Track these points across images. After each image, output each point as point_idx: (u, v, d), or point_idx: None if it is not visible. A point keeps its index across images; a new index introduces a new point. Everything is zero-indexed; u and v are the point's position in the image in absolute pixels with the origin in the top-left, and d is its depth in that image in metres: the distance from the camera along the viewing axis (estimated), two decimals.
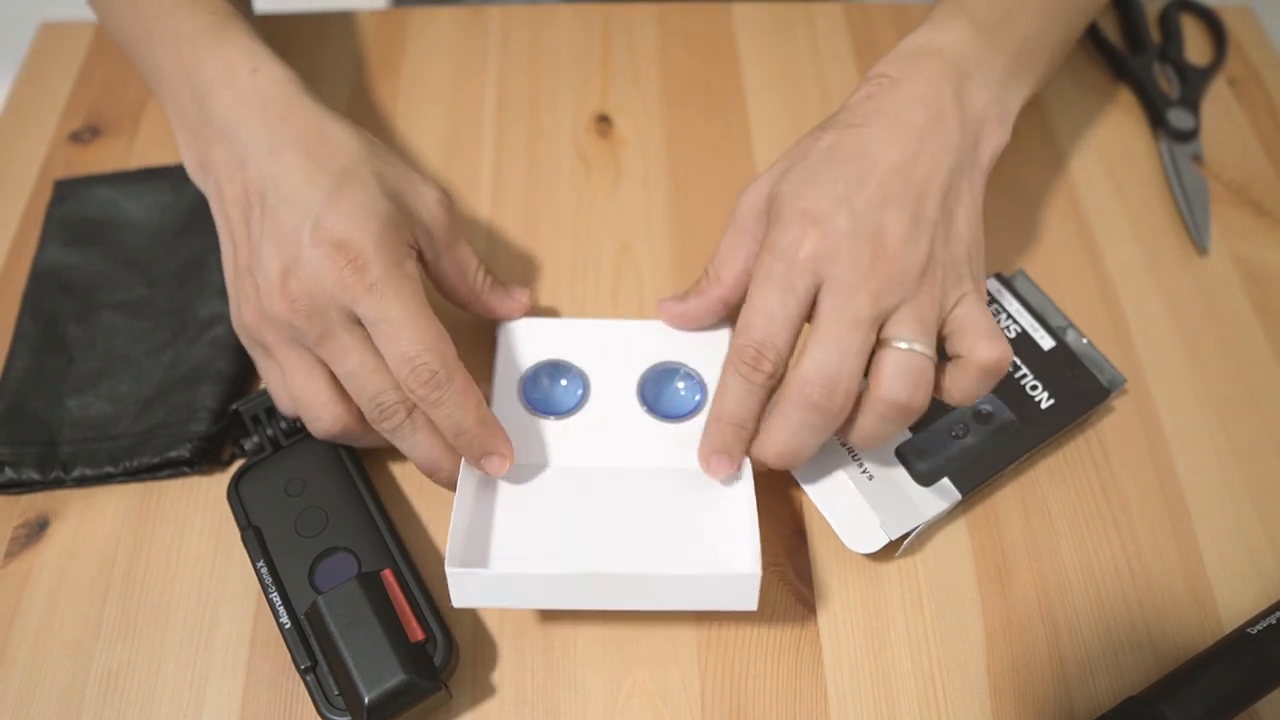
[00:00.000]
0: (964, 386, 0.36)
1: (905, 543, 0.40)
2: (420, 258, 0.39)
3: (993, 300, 0.45)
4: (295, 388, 0.38)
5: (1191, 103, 0.54)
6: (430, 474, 0.39)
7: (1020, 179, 0.52)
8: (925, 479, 0.40)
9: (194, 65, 0.40)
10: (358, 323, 0.36)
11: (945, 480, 0.40)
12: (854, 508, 0.39)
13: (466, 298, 0.42)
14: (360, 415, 0.39)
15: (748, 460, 0.38)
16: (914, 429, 0.41)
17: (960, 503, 0.40)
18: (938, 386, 0.37)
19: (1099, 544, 0.41)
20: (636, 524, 0.38)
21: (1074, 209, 0.51)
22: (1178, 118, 0.53)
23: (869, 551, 0.39)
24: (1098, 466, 0.43)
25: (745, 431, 0.38)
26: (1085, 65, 0.57)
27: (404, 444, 0.38)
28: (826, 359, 0.35)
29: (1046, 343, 0.43)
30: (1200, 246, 0.49)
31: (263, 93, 0.39)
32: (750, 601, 0.35)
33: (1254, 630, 0.37)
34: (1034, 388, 0.42)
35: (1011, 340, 0.43)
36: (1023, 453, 0.41)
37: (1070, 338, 0.44)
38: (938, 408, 0.41)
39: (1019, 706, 0.37)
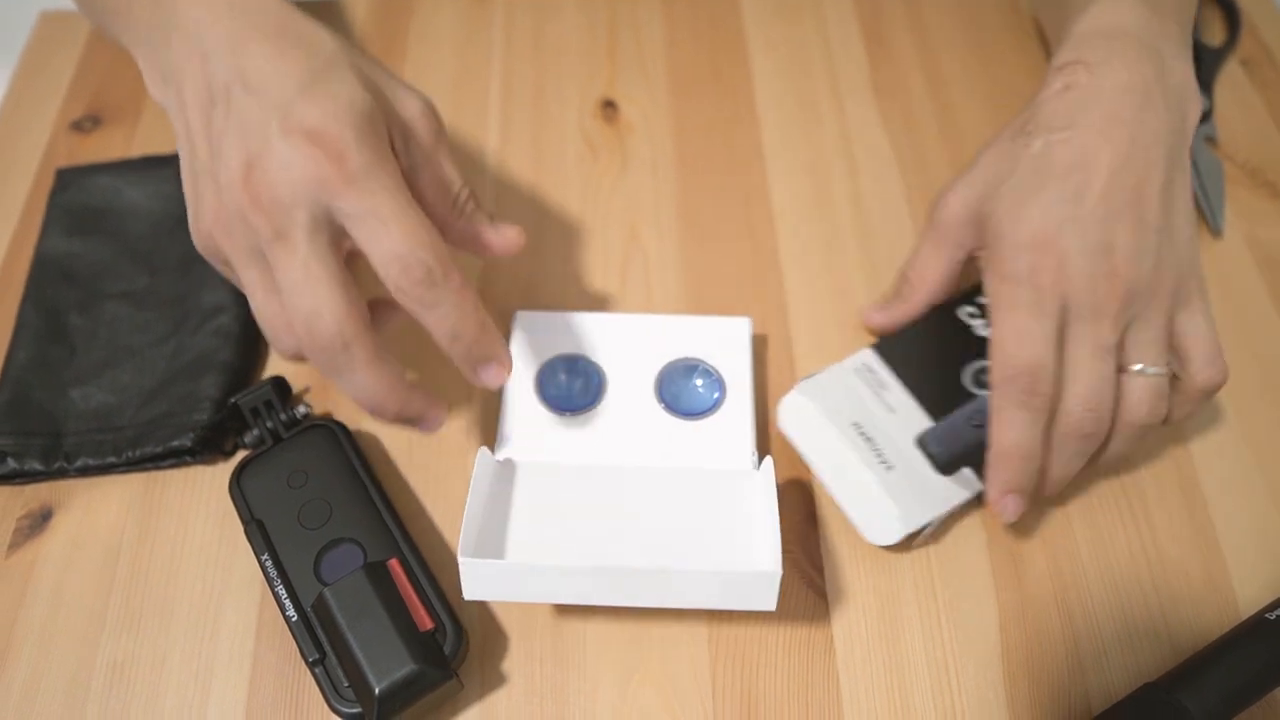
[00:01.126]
0: (1180, 406, 0.37)
1: (923, 533, 0.39)
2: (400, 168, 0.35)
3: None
4: (255, 303, 0.34)
5: (1205, 84, 0.53)
6: (376, 414, 0.35)
7: None
8: (946, 468, 0.39)
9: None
10: (322, 230, 0.32)
11: (967, 470, 0.39)
12: (872, 498, 0.38)
13: (445, 218, 0.37)
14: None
15: (769, 459, 0.37)
16: (934, 417, 0.40)
17: (981, 492, 0.39)
18: None
19: (1113, 530, 0.40)
20: (653, 522, 0.37)
21: None
22: None
23: (887, 544, 0.38)
24: None
25: (1035, 463, 0.36)
26: None
27: (341, 380, 0.34)
28: (1089, 389, 0.35)
29: None
30: (1215, 229, 0.49)
31: None
32: (769, 601, 0.33)
33: (1272, 616, 0.36)
34: None
35: None
36: None
37: None
38: (961, 397, 0.40)
39: (1034, 694, 0.37)
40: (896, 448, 0.39)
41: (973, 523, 0.41)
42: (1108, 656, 0.38)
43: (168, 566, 0.40)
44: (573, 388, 0.41)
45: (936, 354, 0.42)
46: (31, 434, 0.42)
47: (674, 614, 0.38)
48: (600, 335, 0.43)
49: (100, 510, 0.41)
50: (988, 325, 0.38)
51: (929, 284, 0.41)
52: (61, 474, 0.41)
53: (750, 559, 0.36)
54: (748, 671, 0.37)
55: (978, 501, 0.41)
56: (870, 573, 0.39)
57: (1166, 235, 0.36)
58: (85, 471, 0.41)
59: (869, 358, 0.42)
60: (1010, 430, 0.36)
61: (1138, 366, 0.36)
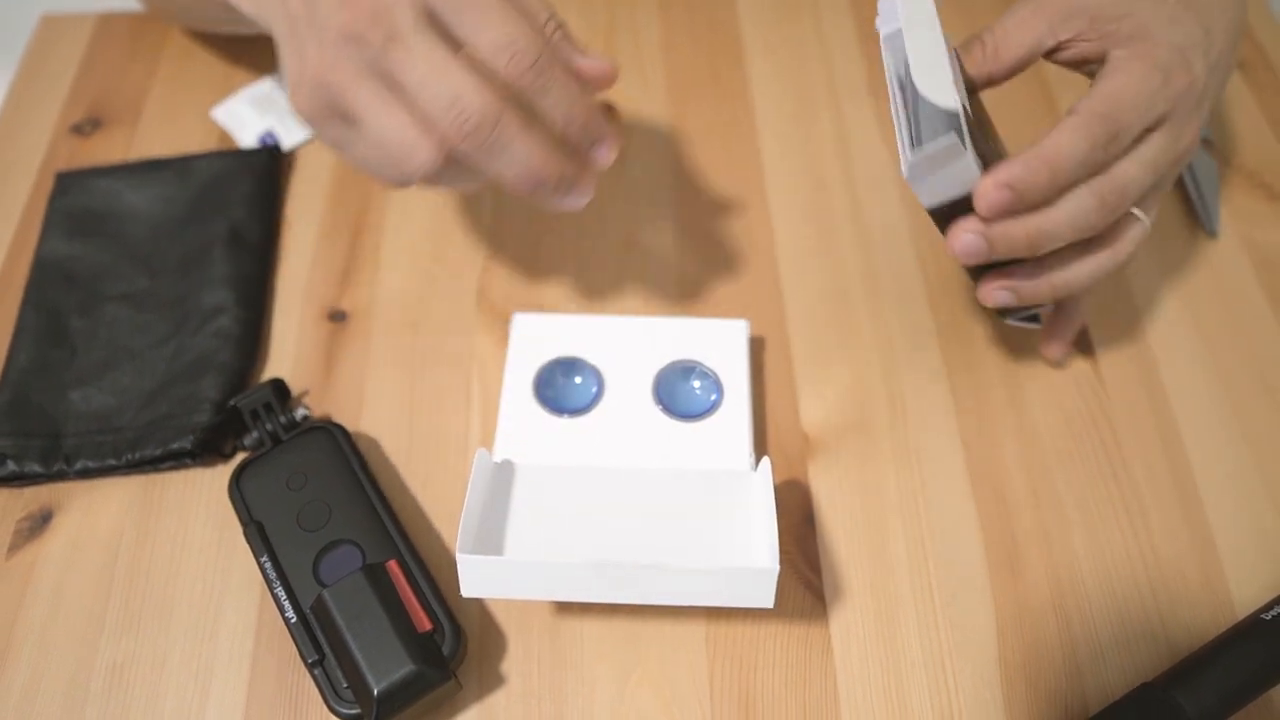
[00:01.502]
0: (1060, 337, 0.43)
1: (923, 159, 0.34)
2: None
3: None
4: (377, 129, 0.33)
5: None
6: (538, 186, 0.34)
7: None
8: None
9: None
10: (431, 24, 0.32)
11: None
12: (938, 67, 0.34)
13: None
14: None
15: (766, 459, 0.37)
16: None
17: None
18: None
19: (1110, 531, 0.41)
20: (651, 522, 0.37)
21: None
22: None
23: (933, 98, 0.33)
24: (1108, 453, 0.42)
25: (1051, 187, 0.34)
26: None
27: (498, 158, 0.33)
28: (1132, 183, 0.35)
29: None
30: (1210, 231, 0.49)
31: None
32: (767, 598, 0.34)
33: (1268, 616, 0.36)
34: None
35: None
36: None
37: None
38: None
39: (1030, 694, 0.37)
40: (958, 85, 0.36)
41: (969, 524, 0.41)
42: (1104, 656, 0.38)
43: (167, 568, 0.40)
44: (571, 390, 0.42)
45: (974, 113, 0.38)
46: (31, 436, 0.42)
47: (672, 614, 0.39)
48: (598, 337, 0.43)
49: (100, 512, 0.41)
50: (1087, 95, 0.35)
51: (1006, 58, 0.38)
52: (61, 476, 0.41)
53: (748, 557, 0.36)
54: (745, 672, 0.37)
55: (969, 498, 0.41)
56: (868, 573, 0.39)
57: (1207, 114, 0.38)
58: (85, 474, 0.41)
59: (951, 49, 0.37)
60: (1065, 142, 0.34)
61: (1139, 213, 0.38)
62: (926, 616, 0.38)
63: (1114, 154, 0.35)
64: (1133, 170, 0.36)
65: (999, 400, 0.44)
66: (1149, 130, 0.36)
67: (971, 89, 0.39)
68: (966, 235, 0.35)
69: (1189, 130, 0.37)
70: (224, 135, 0.53)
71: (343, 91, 0.34)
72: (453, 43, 0.33)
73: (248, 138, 0.52)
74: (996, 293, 0.38)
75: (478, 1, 0.32)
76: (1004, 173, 0.34)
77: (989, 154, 0.37)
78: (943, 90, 0.33)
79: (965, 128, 0.34)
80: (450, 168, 0.34)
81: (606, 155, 0.36)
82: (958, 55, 0.38)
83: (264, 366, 0.45)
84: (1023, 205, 0.34)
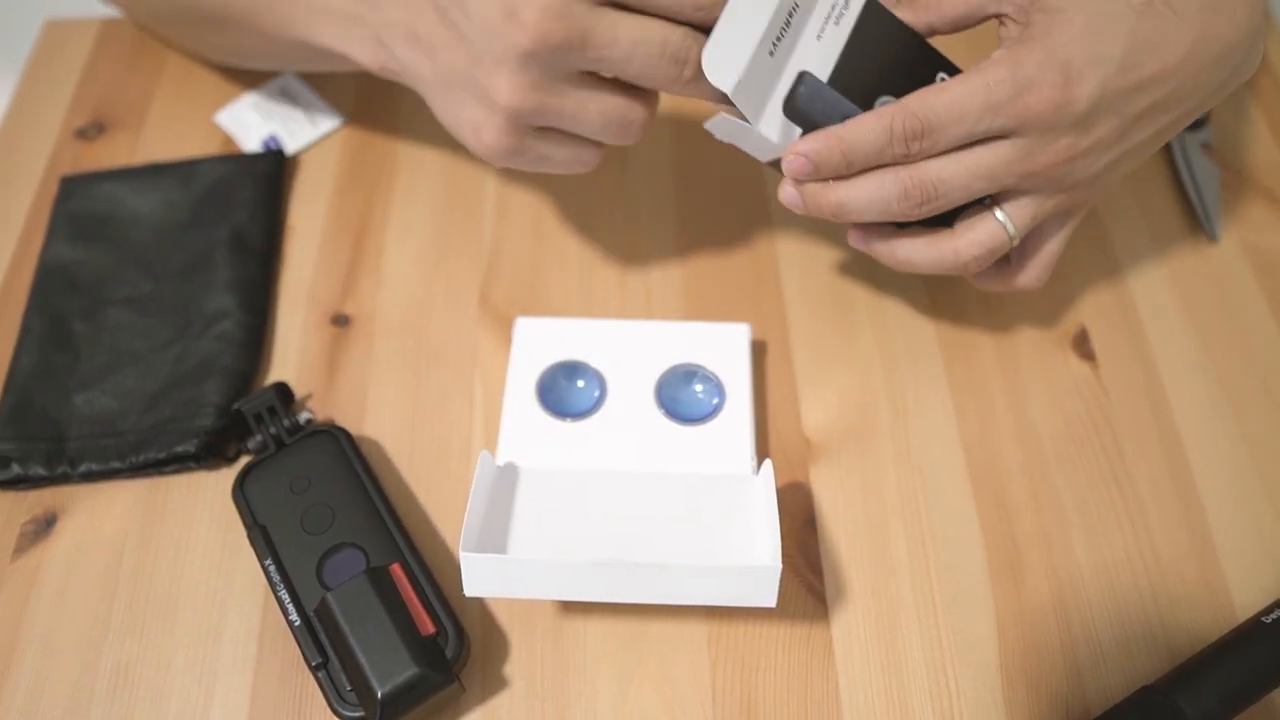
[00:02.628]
0: (986, 277, 0.40)
1: (720, 118, 0.37)
2: None
3: None
4: (595, 118, 0.36)
5: None
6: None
7: None
8: (789, 110, 0.37)
9: None
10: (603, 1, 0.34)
11: (798, 130, 0.37)
12: (741, 47, 0.35)
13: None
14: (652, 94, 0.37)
15: (769, 462, 0.37)
16: (834, 82, 0.37)
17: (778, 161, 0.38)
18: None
19: (1111, 534, 0.41)
20: (653, 525, 0.37)
21: None
22: None
23: (712, 82, 0.35)
24: (1109, 456, 0.43)
25: (846, 167, 0.36)
26: None
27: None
28: (956, 183, 0.35)
29: None
30: (1211, 236, 0.49)
31: None
32: (769, 596, 0.34)
33: (1268, 619, 0.36)
34: None
35: None
36: None
37: None
38: (862, 94, 0.38)
39: (1031, 697, 0.37)
40: (789, 51, 0.37)
41: (970, 527, 0.41)
42: (1105, 660, 0.38)
43: (171, 571, 0.40)
44: (573, 394, 0.42)
45: (886, 63, 0.38)
46: (35, 439, 0.42)
47: (674, 616, 0.39)
48: (600, 341, 0.43)
49: (104, 515, 0.41)
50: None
51: (947, 10, 0.38)
52: (65, 479, 0.42)
53: (750, 558, 0.36)
54: (747, 674, 0.38)
55: (970, 501, 0.41)
56: (868, 577, 0.40)
57: (1132, 157, 0.37)
58: (89, 477, 0.42)
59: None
60: (864, 130, 0.35)
61: (1002, 217, 0.37)
62: (927, 619, 0.39)
63: (922, 152, 0.35)
64: (949, 171, 0.36)
65: (999, 403, 0.44)
66: (994, 138, 0.35)
67: (900, 30, 0.39)
68: (786, 188, 0.38)
69: (1052, 148, 0.35)
70: (227, 140, 0.53)
71: (545, 108, 0.35)
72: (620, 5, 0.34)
73: (251, 142, 0.52)
74: (787, 190, 0.38)
75: (599, 46, 0.33)
76: (804, 143, 0.36)
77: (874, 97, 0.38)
78: (721, 69, 0.35)
79: (753, 103, 0.36)
80: (653, 112, 0.37)
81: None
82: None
83: (267, 370, 0.45)
84: (821, 175, 0.36)
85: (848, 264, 0.48)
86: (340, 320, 0.47)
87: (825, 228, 0.50)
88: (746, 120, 0.36)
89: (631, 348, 0.43)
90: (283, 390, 0.42)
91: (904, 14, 0.39)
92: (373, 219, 0.50)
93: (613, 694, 0.37)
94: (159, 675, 0.38)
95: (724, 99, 0.36)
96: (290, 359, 0.46)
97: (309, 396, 0.44)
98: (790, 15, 0.36)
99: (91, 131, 0.53)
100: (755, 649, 0.38)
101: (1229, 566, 0.40)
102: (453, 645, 0.36)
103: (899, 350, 0.46)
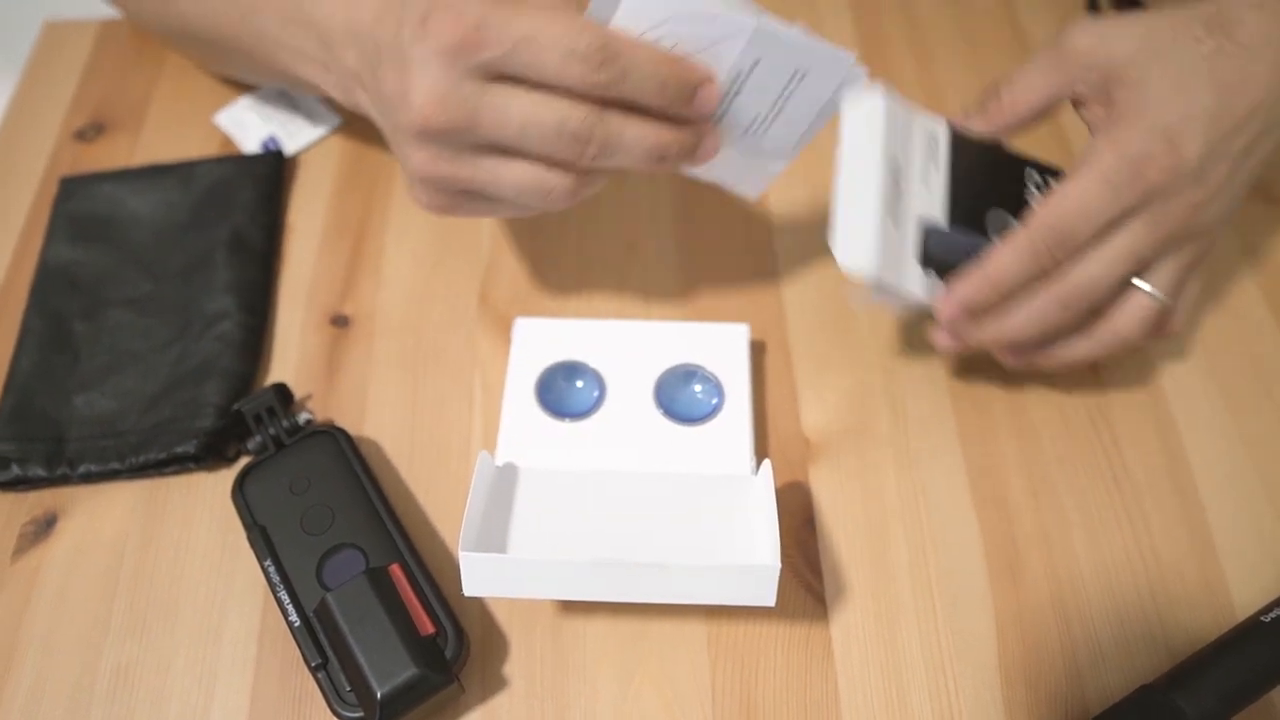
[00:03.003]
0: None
1: (867, 289, 0.38)
2: None
3: None
4: (507, 189, 0.35)
5: None
6: (662, 160, 0.35)
7: None
8: (927, 261, 0.38)
9: (304, 12, 0.39)
10: (494, 78, 0.33)
11: (942, 282, 0.38)
12: (863, 223, 0.37)
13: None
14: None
15: (767, 462, 0.37)
16: (950, 222, 0.38)
17: (930, 312, 0.39)
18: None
19: (1110, 533, 0.41)
20: (653, 525, 0.37)
21: None
22: None
23: (849, 266, 0.36)
24: (1109, 456, 0.43)
25: (1001, 298, 0.36)
26: None
27: (619, 155, 0.34)
28: (1099, 279, 0.36)
29: None
30: None
31: None
32: (768, 596, 0.34)
33: (1267, 618, 0.36)
34: None
35: None
36: None
37: None
38: (974, 219, 0.39)
39: (1031, 697, 0.37)
40: (906, 209, 0.38)
41: (969, 526, 0.41)
42: (1104, 659, 0.38)
43: (171, 572, 0.40)
44: (572, 394, 0.42)
45: (984, 182, 0.40)
46: (35, 440, 0.42)
47: (673, 617, 0.39)
48: (599, 342, 0.43)
49: (104, 516, 0.41)
50: (1041, 200, 0.37)
51: (1021, 108, 0.38)
52: (65, 480, 0.42)
53: (750, 558, 0.36)
54: (747, 674, 0.38)
55: (969, 499, 0.41)
56: (867, 577, 0.40)
57: (1246, 186, 0.37)
58: (88, 478, 0.42)
59: (942, 131, 0.40)
60: (1008, 260, 0.36)
61: (1149, 288, 0.37)
62: (927, 619, 0.39)
63: (1066, 258, 0.36)
64: (1097, 269, 0.36)
65: (999, 403, 0.44)
66: (1122, 219, 0.36)
67: (985, 146, 0.40)
68: (940, 336, 0.39)
69: (1178, 209, 0.36)
70: (226, 141, 0.53)
71: (455, 179, 0.35)
72: (520, 82, 0.33)
73: (250, 143, 0.52)
74: (942, 337, 0.39)
75: (522, 31, 0.32)
76: (957, 292, 0.37)
77: (996, 224, 0.39)
78: (857, 257, 0.36)
79: (880, 280, 0.36)
80: (583, 178, 0.36)
81: (709, 94, 0.35)
82: (951, 129, 0.40)
83: (267, 371, 0.45)
84: (979, 315, 0.37)
85: None
86: (340, 321, 0.47)
87: (825, 228, 0.50)
88: (893, 286, 0.37)
89: (631, 348, 0.43)
90: (282, 391, 0.42)
91: (980, 123, 0.39)
92: (372, 220, 0.50)
93: (612, 694, 0.37)
94: (159, 676, 0.38)
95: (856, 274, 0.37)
96: (290, 359, 0.46)
97: (308, 397, 0.45)
98: (896, 177, 0.38)
99: (91, 132, 0.53)
100: (755, 649, 0.38)
101: (1228, 566, 0.40)
102: (452, 645, 0.36)
103: (898, 350, 0.46)
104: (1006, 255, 0.36)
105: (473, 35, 0.32)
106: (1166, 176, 0.35)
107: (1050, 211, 0.36)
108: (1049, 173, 0.41)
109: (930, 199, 0.38)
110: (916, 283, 0.38)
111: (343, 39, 0.37)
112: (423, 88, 0.33)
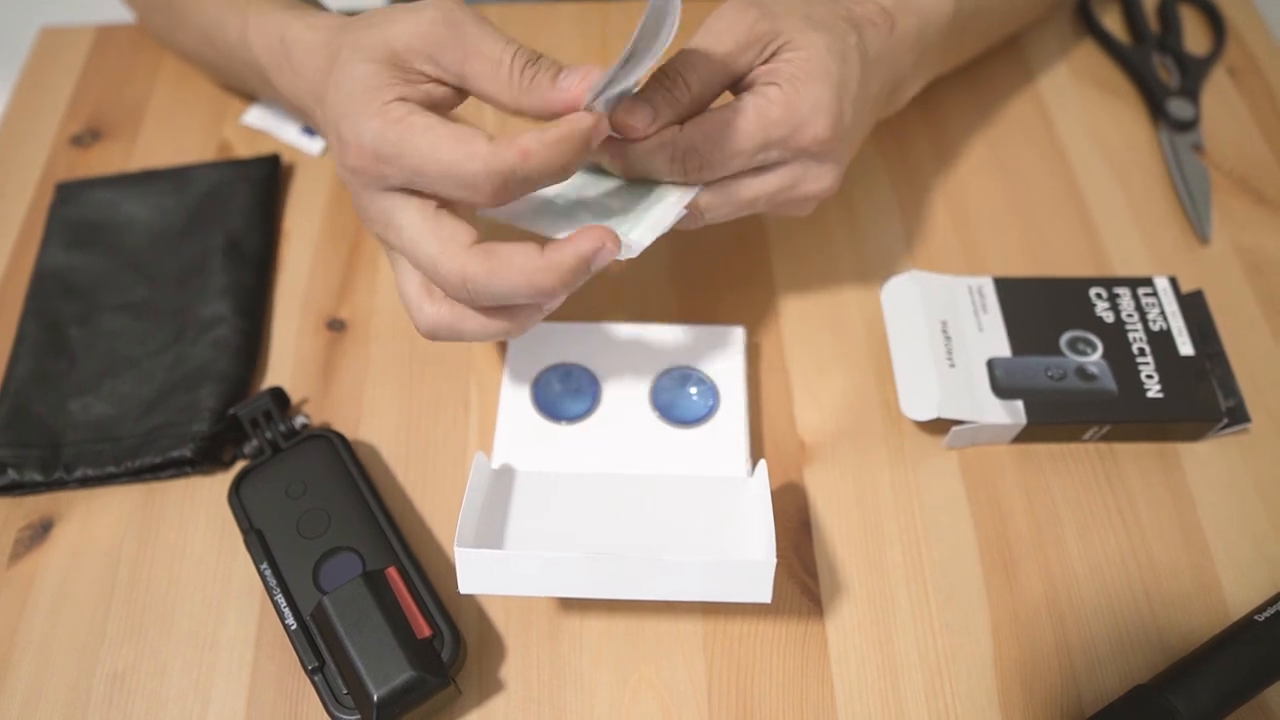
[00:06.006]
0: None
1: (952, 432, 0.42)
2: (445, 83, 0.35)
3: (1153, 294, 0.45)
4: (398, 274, 0.36)
5: (1191, 92, 0.54)
6: (545, 299, 0.35)
7: (1021, 169, 0.52)
8: (1002, 393, 0.42)
9: (272, 85, 0.41)
10: (399, 191, 0.34)
11: (1019, 402, 0.41)
12: (924, 380, 0.42)
13: (509, 105, 0.35)
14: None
15: (763, 462, 0.38)
16: (1015, 352, 0.43)
17: (1024, 429, 0.41)
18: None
19: (1104, 534, 0.41)
20: (649, 527, 0.38)
21: (1075, 199, 0.51)
22: (1178, 108, 0.53)
23: (918, 419, 0.41)
24: (1101, 456, 0.43)
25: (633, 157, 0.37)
26: (1084, 55, 0.57)
27: (496, 297, 0.34)
28: (724, 202, 0.38)
29: (1185, 349, 0.43)
30: (1202, 236, 0.49)
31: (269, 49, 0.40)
32: (764, 592, 0.34)
33: (1261, 618, 0.37)
34: (1149, 377, 0.42)
35: (1153, 334, 0.44)
36: (1106, 422, 0.41)
37: (1216, 363, 0.44)
38: (1047, 344, 0.43)
39: (1026, 697, 0.37)
40: (967, 356, 0.43)
41: (964, 528, 0.41)
42: (1099, 660, 0.38)
43: (167, 576, 0.40)
44: (568, 397, 0.42)
45: (1047, 310, 0.44)
46: (31, 445, 0.42)
47: (670, 618, 0.39)
48: (595, 345, 0.43)
49: (100, 521, 0.41)
50: (1111, 311, 0.44)
51: (699, 92, 0.37)
52: (61, 485, 0.42)
53: (746, 552, 0.36)
54: (743, 675, 0.38)
55: (963, 502, 0.41)
56: (863, 578, 0.40)
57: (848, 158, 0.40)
58: (85, 482, 0.42)
59: (985, 284, 0.45)
60: (651, 145, 0.36)
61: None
62: (922, 620, 0.39)
63: (699, 177, 0.37)
64: (721, 195, 0.37)
65: None
66: (756, 162, 0.37)
67: (1031, 282, 0.45)
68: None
69: (808, 171, 0.38)
70: (223, 145, 0.53)
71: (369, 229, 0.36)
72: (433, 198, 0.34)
73: (290, 132, 0.53)
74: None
75: (413, 165, 0.32)
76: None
77: (1075, 344, 0.44)
78: (922, 409, 0.42)
79: (956, 419, 0.42)
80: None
81: (605, 256, 0.34)
82: (994, 280, 0.45)
83: (263, 376, 0.45)
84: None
85: (842, 267, 0.49)
86: (335, 325, 0.47)
87: (820, 230, 0.50)
88: (969, 420, 0.41)
89: (626, 350, 0.43)
90: (278, 395, 0.42)
91: (664, 104, 0.37)
92: None
93: (609, 696, 0.37)
94: (155, 681, 0.38)
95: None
96: (286, 364, 0.46)
97: (305, 401, 0.45)
98: (944, 330, 0.43)
99: (87, 138, 0.53)
100: (751, 651, 0.38)
101: (1222, 566, 0.40)
102: (449, 648, 0.36)
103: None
104: (652, 144, 0.36)
105: (371, 166, 0.33)
106: (817, 146, 0.37)
107: (701, 131, 0.36)
108: (1110, 284, 0.45)
109: (991, 339, 0.43)
110: (997, 412, 0.41)
111: (309, 102, 0.39)
112: (343, 165, 0.34)
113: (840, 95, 0.37)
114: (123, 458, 0.41)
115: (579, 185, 0.39)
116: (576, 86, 0.34)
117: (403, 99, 0.34)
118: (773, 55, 0.37)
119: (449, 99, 0.35)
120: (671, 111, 0.37)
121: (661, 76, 0.37)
